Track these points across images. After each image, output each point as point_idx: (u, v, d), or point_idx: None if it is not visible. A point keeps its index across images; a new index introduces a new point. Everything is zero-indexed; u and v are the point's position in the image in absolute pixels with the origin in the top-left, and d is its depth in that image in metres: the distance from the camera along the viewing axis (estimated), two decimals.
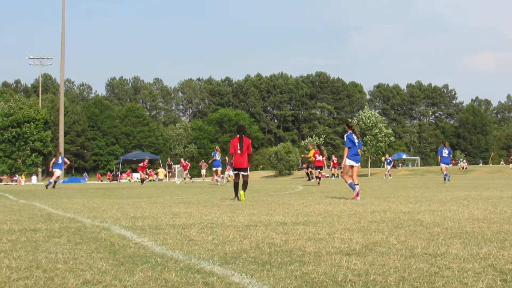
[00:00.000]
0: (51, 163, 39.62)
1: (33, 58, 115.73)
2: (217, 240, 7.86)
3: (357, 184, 18.00)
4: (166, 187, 36.00)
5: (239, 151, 18.61)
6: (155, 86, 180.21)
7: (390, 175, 59.25)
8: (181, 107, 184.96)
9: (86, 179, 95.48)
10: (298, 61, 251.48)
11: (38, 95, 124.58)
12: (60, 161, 39.63)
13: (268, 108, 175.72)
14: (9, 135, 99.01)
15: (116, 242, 7.75)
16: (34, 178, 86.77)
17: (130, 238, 8.20)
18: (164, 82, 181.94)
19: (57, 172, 38.81)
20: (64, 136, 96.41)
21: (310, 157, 42.39)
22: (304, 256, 6.42)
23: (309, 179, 43.96)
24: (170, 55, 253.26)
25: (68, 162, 41.64)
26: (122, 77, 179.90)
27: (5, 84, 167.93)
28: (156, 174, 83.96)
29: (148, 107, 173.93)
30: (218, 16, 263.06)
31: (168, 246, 7.34)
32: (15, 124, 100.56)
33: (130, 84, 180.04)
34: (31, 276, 5.46)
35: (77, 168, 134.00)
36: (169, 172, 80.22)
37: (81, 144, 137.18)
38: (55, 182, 38.74)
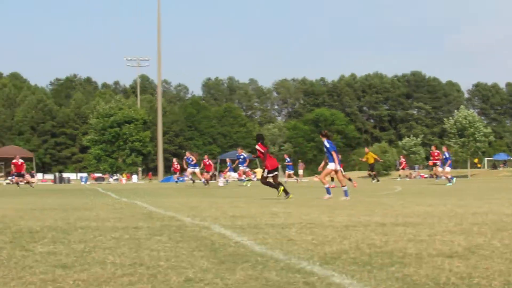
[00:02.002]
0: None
1: (130, 60, 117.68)
2: (317, 240, 7.84)
3: (345, 185, 18.79)
4: (264, 187, 35.99)
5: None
6: (250, 87, 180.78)
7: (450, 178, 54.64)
8: (276, 107, 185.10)
9: (185, 179, 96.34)
10: (393, 60, 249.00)
11: (136, 96, 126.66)
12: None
13: (364, 108, 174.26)
14: (110, 135, 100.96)
15: (216, 240, 7.82)
16: (134, 177, 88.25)
17: (230, 237, 8.25)
18: (259, 82, 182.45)
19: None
20: (163, 136, 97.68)
21: (368, 159, 42.41)
22: (405, 257, 6.35)
23: (375, 180, 43.97)
24: (265, 56, 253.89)
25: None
26: (217, 77, 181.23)
27: (104, 85, 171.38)
28: (254, 173, 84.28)
29: (244, 107, 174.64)
30: (311, 16, 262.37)
31: (268, 245, 7.35)
32: (115, 125, 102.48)
33: (225, 85, 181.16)
34: (134, 272, 5.57)
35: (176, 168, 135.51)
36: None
37: (179, 144, 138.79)
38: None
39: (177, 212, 13.21)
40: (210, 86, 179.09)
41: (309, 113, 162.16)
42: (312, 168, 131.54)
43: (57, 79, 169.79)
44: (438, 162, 38.02)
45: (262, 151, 22.12)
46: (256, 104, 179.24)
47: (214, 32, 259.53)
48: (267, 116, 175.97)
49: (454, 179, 35.65)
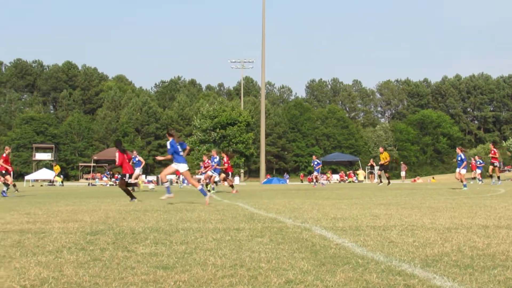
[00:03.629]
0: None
1: (234, 62, 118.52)
2: (418, 242, 7.73)
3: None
4: (366, 189, 35.82)
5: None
6: (354, 88, 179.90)
7: (480, 180, 51.65)
8: (379, 108, 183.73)
9: (288, 180, 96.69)
10: (498, 61, 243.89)
11: (240, 98, 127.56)
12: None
13: (468, 109, 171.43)
14: (216, 136, 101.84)
15: (317, 242, 7.78)
16: (236, 178, 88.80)
17: (331, 239, 8.20)
18: (362, 83, 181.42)
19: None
20: (266, 138, 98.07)
21: (386, 160, 40.93)
22: (508, 260, 6.21)
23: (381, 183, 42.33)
24: (368, 57, 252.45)
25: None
26: (321, 79, 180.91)
27: (208, 87, 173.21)
28: (356, 175, 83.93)
29: (347, 108, 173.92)
30: (415, 17, 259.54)
31: (369, 247, 7.30)
32: (219, 126, 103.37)
33: (329, 86, 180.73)
34: (235, 274, 5.60)
35: (278, 170, 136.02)
36: (370, 173, 79.95)
37: (282, 145, 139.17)
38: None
39: (278, 213, 13.22)
40: (314, 87, 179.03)
41: (413, 114, 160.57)
42: (414, 169, 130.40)
43: (162, 82, 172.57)
44: None
45: (118, 159, 22.10)
46: (359, 105, 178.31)
47: (318, 33, 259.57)
48: (370, 117, 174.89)
49: None
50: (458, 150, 34.18)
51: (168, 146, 18.80)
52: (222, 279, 5.35)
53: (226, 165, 32.94)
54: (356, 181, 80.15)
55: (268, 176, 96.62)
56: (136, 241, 8.14)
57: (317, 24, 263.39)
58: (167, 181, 19.03)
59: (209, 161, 33.85)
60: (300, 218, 11.69)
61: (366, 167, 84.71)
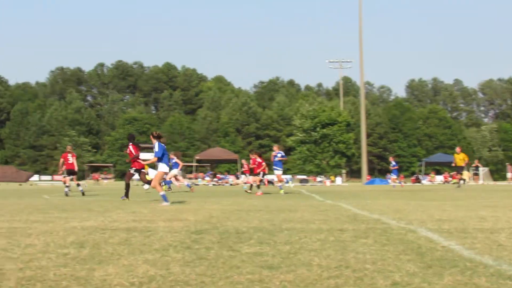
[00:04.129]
0: None
1: (333, 62, 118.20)
2: None
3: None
4: (471, 190, 35.19)
5: None
6: (455, 87, 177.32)
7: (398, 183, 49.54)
8: (482, 108, 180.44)
9: (390, 181, 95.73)
10: None
11: (339, 98, 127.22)
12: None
13: None
14: (317, 135, 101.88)
15: (423, 244, 7.67)
16: (338, 179, 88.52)
17: (437, 241, 8.07)
18: (464, 83, 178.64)
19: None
20: (367, 138, 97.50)
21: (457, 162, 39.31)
22: None
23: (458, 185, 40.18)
24: (470, 55, 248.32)
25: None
26: (421, 78, 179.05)
27: (307, 87, 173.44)
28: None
29: (449, 108, 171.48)
30: None
31: (476, 250, 7.13)
32: (319, 126, 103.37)
33: (429, 86, 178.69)
34: (340, 275, 5.56)
35: (380, 170, 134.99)
36: (475, 174, 78.56)
37: (383, 146, 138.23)
38: None
39: (382, 214, 13.12)
40: (414, 87, 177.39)
41: None
42: None
43: (261, 82, 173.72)
44: None
45: (134, 152, 21.81)
46: (461, 105, 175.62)
47: (417, 32, 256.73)
48: (473, 117, 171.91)
49: None
50: None
51: (157, 149, 18.76)
52: (327, 280, 5.32)
53: (254, 166, 32.67)
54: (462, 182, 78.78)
55: (369, 178, 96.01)
56: (240, 241, 8.19)
57: (417, 22, 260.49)
58: (161, 190, 18.81)
59: (251, 164, 33.50)
60: (404, 220, 11.56)
61: (471, 168, 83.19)
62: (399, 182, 48.53)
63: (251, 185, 32.89)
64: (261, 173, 32.16)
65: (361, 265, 6.09)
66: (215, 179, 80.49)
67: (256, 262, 6.28)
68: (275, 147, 33.23)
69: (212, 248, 7.44)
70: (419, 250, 7.13)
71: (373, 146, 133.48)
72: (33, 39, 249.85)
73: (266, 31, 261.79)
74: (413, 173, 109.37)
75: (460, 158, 39.61)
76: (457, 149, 41.10)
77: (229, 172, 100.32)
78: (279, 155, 31.94)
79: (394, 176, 47.21)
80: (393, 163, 46.81)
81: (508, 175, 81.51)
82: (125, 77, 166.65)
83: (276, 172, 32.44)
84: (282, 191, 30.46)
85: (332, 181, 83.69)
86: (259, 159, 32.25)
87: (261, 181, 32.54)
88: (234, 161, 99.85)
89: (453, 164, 41.89)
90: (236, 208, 15.84)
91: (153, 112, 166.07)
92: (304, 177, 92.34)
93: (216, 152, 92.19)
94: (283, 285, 5.15)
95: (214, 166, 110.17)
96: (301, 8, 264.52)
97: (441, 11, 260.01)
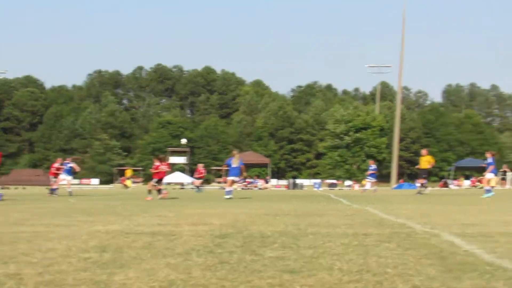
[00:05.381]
0: None
1: (372, 67, 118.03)
2: None
3: None
4: (497, 195, 34.94)
5: None
6: (491, 93, 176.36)
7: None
8: None
9: (418, 186, 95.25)
10: None
11: (375, 103, 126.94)
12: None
13: None
14: (349, 139, 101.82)
15: (445, 248, 7.69)
16: (368, 184, 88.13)
17: (459, 245, 8.08)
18: (500, 88, 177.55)
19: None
20: (400, 142, 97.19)
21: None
22: None
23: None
24: (508, 60, 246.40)
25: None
26: (458, 83, 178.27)
27: (344, 92, 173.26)
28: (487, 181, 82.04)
29: (483, 113, 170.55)
30: None
31: (497, 254, 7.15)
32: (354, 130, 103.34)
33: (466, 91, 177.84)
34: (361, 279, 5.60)
35: (410, 175, 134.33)
36: (503, 179, 77.99)
37: (415, 151, 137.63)
38: None
39: (408, 219, 13.10)
40: (451, 92, 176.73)
41: None
42: None
43: (298, 86, 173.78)
44: None
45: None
46: (495, 110, 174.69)
47: (455, 37, 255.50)
48: (505, 123, 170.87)
49: None
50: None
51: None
52: (347, 284, 5.36)
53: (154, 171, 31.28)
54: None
55: (402, 181, 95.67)
56: (264, 245, 8.23)
57: (456, 27, 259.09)
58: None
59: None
60: (429, 224, 11.55)
61: (499, 172, 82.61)
62: (372, 187, 48.12)
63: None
64: (155, 179, 31.22)
65: (382, 269, 6.12)
66: (244, 183, 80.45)
67: (278, 266, 6.32)
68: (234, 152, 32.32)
69: (235, 252, 7.49)
70: (441, 254, 7.15)
71: (405, 150, 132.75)
72: (72, 42, 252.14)
73: (306, 35, 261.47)
74: (442, 178, 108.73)
75: (425, 160, 37.62)
76: (423, 151, 39.08)
77: (259, 176, 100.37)
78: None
79: (373, 180, 47.40)
80: (373, 166, 46.96)
81: None
82: (163, 81, 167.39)
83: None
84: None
85: (362, 186, 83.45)
86: (157, 163, 31.18)
87: (155, 186, 31.18)
88: (265, 165, 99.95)
89: (417, 167, 40.15)
90: (263, 212, 15.87)
91: (189, 116, 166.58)
92: (333, 181, 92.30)
93: (247, 156, 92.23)
94: None
95: (246, 170, 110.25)
96: (342, 11, 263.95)
97: (477, 14, 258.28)
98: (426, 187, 38.43)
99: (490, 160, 32.49)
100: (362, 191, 47.87)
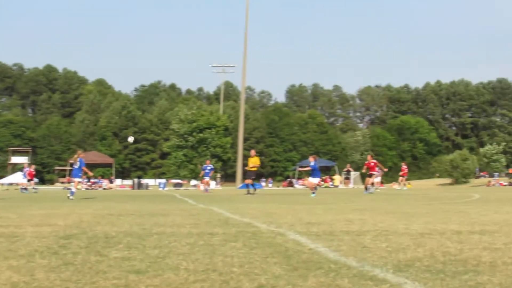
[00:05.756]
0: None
1: (216, 67, 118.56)
2: (391, 247, 7.76)
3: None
4: (341, 194, 35.87)
5: None
6: (334, 93, 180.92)
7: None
8: (358, 114, 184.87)
9: (263, 185, 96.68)
10: (479, 67, 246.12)
11: (219, 102, 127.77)
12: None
13: (447, 116, 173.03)
14: (193, 140, 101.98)
15: (290, 247, 7.79)
16: (213, 183, 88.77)
17: (305, 244, 8.21)
18: (343, 89, 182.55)
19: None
20: (244, 142, 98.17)
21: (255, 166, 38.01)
22: (479, 266, 6.24)
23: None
24: (350, 62, 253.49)
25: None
26: (301, 84, 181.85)
27: (188, 91, 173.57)
28: (332, 180, 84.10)
29: (327, 114, 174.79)
30: (397, 21, 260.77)
31: (342, 252, 7.31)
32: (197, 130, 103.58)
33: (309, 91, 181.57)
34: (207, 278, 5.58)
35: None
36: (346, 178, 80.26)
37: (260, 150, 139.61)
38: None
39: (253, 218, 13.24)
40: (294, 92, 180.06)
41: (392, 120, 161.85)
42: (391, 175, 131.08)
43: (142, 86, 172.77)
44: None
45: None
46: (338, 111, 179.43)
47: (299, 38, 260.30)
48: (348, 123, 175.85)
49: None
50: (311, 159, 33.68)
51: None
52: (194, 284, 5.34)
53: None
54: (332, 186, 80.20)
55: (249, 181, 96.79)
56: (109, 245, 8.11)
57: (299, 29, 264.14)
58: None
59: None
60: (274, 223, 11.70)
61: (343, 172, 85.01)
62: (206, 188, 49.01)
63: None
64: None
65: (228, 268, 6.13)
66: (88, 183, 79.31)
67: (123, 267, 6.24)
68: None
69: (80, 253, 7.33)
70: (286, 253, 7.23)
71: (250, 150, 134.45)
72: None
73: (148, 34, 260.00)
74: (287, 177, 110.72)
75: (252, 161, 38.03)
76: (251, 152, 39.42)
77: (103, 176, 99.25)
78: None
79: (207, 179, 48.47)
80: (211, 166, 47.88)
81: (378, 179, 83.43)
82: (3, 79, 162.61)
83: None
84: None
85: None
86: None
87: None
88: (109, 165, 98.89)
89: (246, 168, 40.31)
90: (107, 213, 15.67)
91: (30, 115, 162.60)
92: (179, 181, 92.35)
93: (91, 156, 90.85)
94: None
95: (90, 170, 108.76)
96: (185, 11, 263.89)
97: (321, 17, 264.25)
98: (254, 187, 39.11)
99: (313, 163, 32.98)
100: (204, 191, 48.06)
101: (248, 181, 38.68)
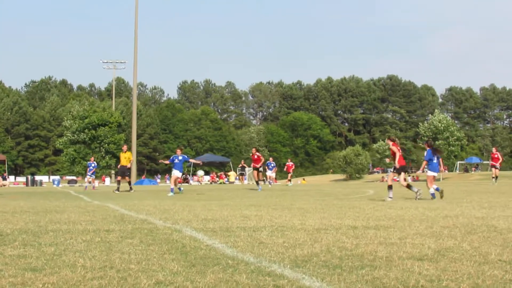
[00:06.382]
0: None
1: (106, 62, 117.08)
2: (288, 243, 7.88)
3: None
4: (236, 190, 36.02)
5: None
6: (226, 90, 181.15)
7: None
8: (251, 110, 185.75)
9: (158, 181, 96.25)
10: (369, 64, 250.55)
11: (111, 99, 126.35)
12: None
13: (339, 112, 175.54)
14: (85, 137, 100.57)
15: (187, 243, 7.83)
16: (107, 179, 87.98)
17: (202, 240, 8.27)
18: (236, 85, 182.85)
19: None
20: (137, 138, 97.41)
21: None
22: (375, 260, 6.41)
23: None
24: (242, 59, 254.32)
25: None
26: (193, 80, 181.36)
27: (80, 87, 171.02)
28: (227, 177, 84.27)
29: (219, 110, 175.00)
30: (288, 19, 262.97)
31: (239, 248, 7.40)
32: (90, 127, 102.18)
33: (201, 88, 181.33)
34: (105, 275, 5.57)
35: (149, 171, 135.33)
36: (241, 175, 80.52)
37: (154, 147, 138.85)
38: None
39: (149, 215, 13.21)
40: (186, 89, 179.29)
41: (285, 116, 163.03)
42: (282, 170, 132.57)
43: (32, 81, 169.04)
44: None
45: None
46: (231, 107, 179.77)
47: (191, 34, 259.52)
48: (242, 119, 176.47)
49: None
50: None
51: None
52: (91, 281, 5.31)
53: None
54: (227, 182, 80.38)
55: (143, 177, 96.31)
56: (4, 243, 7.99)
57: (191, 24, 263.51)
58: None
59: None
60: (170, 219, 11.72)
61: (237, 168, 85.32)
62: (92, 184, 48.82)
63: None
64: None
65: (126, 265, 6.12)
66: None
67: (19, 265, 6.16)
68: None
69: None
70: (184, 249, 7.27)
71: (144, 146, 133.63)
72: None
73: (39, 27, 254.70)
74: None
75: (124, 157, 36.61)
76: (123, 147, 37.84)
77: None
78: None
79: (93, 177, 48.58)
80: (93, 164, 47.78)
81: (273, 175, 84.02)
82: None
83: None
84: None
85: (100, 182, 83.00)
86: None
87: None
88: (2, 162, 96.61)
89: (118, 166, 39.14)
90: (1, 210, 15.35)
91: None
92: (73, 178, 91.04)
93: None
94: (46, 287, 5.09)
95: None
96: (75, 6, 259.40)
97: (212, 13, 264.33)
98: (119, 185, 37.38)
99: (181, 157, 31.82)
100: (93, 188, 47.40)
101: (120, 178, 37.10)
